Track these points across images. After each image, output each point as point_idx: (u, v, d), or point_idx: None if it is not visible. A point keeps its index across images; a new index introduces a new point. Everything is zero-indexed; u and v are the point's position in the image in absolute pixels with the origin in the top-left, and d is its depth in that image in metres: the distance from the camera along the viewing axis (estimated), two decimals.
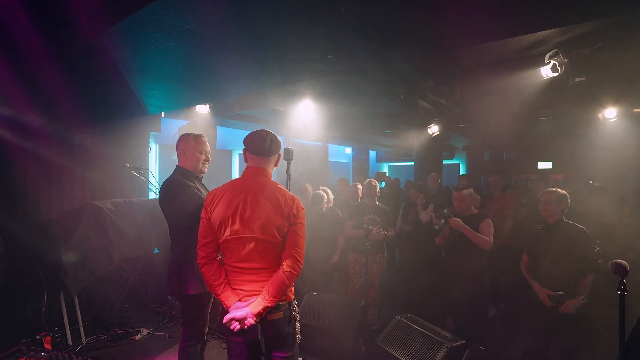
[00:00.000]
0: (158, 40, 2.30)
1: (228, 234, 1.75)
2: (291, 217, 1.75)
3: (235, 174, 8.23)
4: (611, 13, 2.10)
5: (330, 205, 4.48)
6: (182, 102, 4.40)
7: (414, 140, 7.46)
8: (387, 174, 13.88)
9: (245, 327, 1.66)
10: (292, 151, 2.87)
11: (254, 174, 1.86)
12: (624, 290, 1.47)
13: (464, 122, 6.73)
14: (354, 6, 1.86)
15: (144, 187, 4.54)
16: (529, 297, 3.00)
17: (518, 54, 3.75)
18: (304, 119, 5.60)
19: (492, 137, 8.50)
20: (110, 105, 3.87)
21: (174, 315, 4.13)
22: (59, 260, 3.34)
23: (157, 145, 6.41)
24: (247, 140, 1.91)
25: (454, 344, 2.78)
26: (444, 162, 10.61)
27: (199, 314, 2.30)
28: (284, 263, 1.73)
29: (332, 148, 10.93)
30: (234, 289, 1.78)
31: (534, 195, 5.31)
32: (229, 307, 1.73)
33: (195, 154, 2.42)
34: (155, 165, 6.37)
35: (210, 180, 6.04)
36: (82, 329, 3.57)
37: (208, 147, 2.52)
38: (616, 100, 4.66)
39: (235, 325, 1.66)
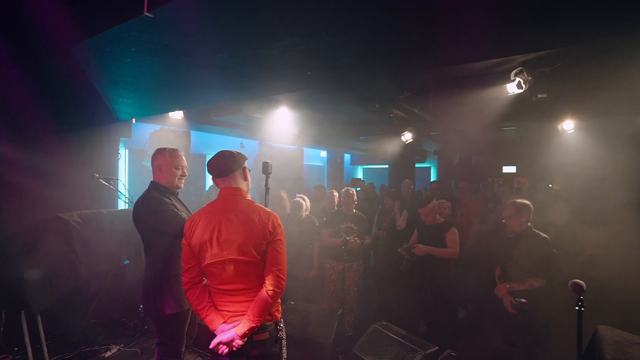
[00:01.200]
0: (133, 54, 2.24)
1: (209, 259, 1.76)
2: (267, 234, 1.76)
3: (210, 179, 8.06)
4: (565, 44, 2.27)
5: (307, 213, 4.50)
6: (155, 110, 4.27)
7: (388, 146, 7.64)
8: (362, 177, 14.14)
9: (234, 349, 1.67)
10: (271, 165, 2.88)
11: (227, 194, 1.87)
12: (581, 306, 1.62)
13: (436, 130, 6.98)
14: (334, 31, 1.89)
15: (114, 196, 4.36)
16: (496, 302, 3.18)
17: (486, 71, 3.95)
18: (280, 125, 5.59)
19: (461, 143, 8.87)
20: (78, 113, 3.70)
21: (146, 329, 4.00)
22: (19, 278, 3.14)
23: (127, 151, 6.16)
24: (207, 168, 1.94)
25: (427, 351, 2.89)
26: (416, 165, 10.93)
27: (175, 333, 2.25)
28: (266, 282, 1.74)
29: (308, 151, 10.96)
30: (219, 310, 1.79)
31: (500, 201, 5.62)
32: (214, 330, 1.73)
33: (171, 170, 2.36)
34: (125, 171, 6.13)
35: (187, 187, 5.90)
36: (45, 349, 3.37)
37: (185, 162, 2.47)
38: (573, 114, 5.02)
39: (223, 349, 1.67)
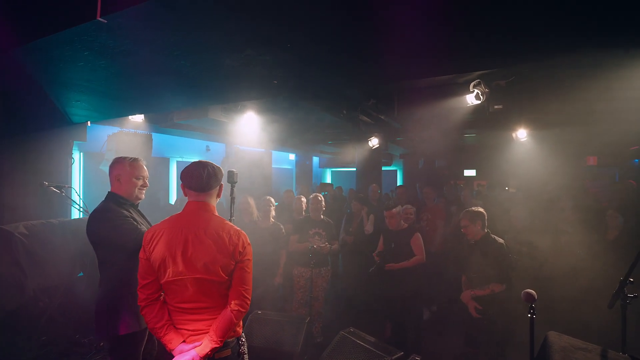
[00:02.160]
0: (87, 58, 2.10)
1: (170, 275, 1.67)
2: (237, 254, 1.71)
3: (173, 183, 7.76)
4: (517, 62, 2.42)
5: (274, 219, 4.45)
6: (112, 114, 4.05)
7: (355, 150, 7.75)
8: (331, 180, 14.24)
9: None
10: (236, 174, 2.80)
11: (196, 209, 1.79)
12: (533, 313, 1.72)
13: (402, 136, 7.17)
14: (299, 43, 1.88)
15: (67, 205, 4.07)
16: (459, 304, 3.31)
17: (447, 81, 4.12)
18: (247, 129, 5.50)
19: (425, 147, 9.19)
20: (22, 116, 3.41)
21: (102, 346, 3.77)
22: None
23: (82, 154, 5.79)
24: (183, 176, 1.83)
25: (394, 357, 2.95)
26: (383, 168, 11.17)
27: (131, 354, 2.12)
28: (232, 302, 1.69)
29: (276, 154, 10.87)
30: (178, 329, 1.71)
31: (462, 204, 5.88)
32: (173, 350, 1.65)
33: (131, 180, 2.22)
34: (80, 176, 5.75)
35: (156, 192, 5.59)
36: None
37: (146, 172, 2.33)
38: (526, 124, 5.37)
39: None
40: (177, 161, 7.74)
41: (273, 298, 4.29)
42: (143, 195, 2.34)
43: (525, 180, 6.94)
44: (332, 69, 2.28)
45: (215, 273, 1.67)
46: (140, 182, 2.27)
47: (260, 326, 3.64)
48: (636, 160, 7.11)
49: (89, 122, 4.35)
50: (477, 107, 4.21)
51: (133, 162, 2.26)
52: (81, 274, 4.00)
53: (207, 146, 8.68)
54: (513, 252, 4.07)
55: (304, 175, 12.09)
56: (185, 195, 1.86)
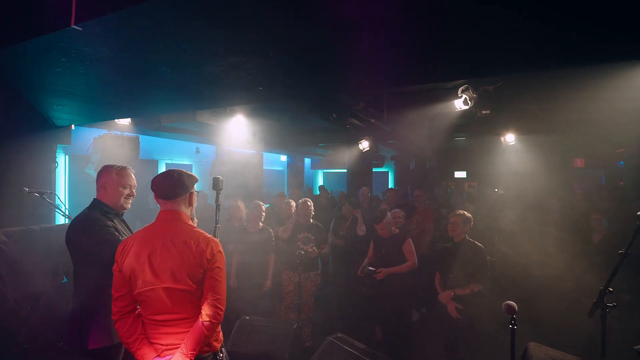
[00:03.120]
0: (64, 64, 2.06)
1: (141, 286, 1.65)
2: (204, 262, 1.67)
3: None
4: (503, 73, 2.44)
5: (263, 223, 4.43)
6: (96, 118, 3.98)
7: (346, 153, 7.74)
8: (322, 181, 14.22)
9: None
10: (221, 181, 2.76)
11: (165, 218, 1.78)
12: (514, 324, 1.73)
13: (392, 139, 7.19)
14: (281, 54, 1.86)
15: (50, 210, 3.98)
16: (441, 306, 3.33)
17: (435, 86, 4.13)
18: (237, 132, 5.46)
19: (416, 150, 9.23)
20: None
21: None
22: None
23: (67, 157, 5.68)
24: (151, 184, 1.82)
25: None
26: (375, 169, 11.18)
27: None
28: (203, 312, 1.65)
29: (267, 156, 10.82)
30: (152, 343, 1.67)
31: (452, 207, 5.91)
32: None
33: (117, 189, 2.18)
34: (65, 179, 5.64)
35: (145, 196, 5.50)
36: None
37: (133, 181, 2.29)
38: (513, 129, 5.42)
39: None
40: (166, 163, 7.66)
41: (262, 303, 4.26)
42: (129, 205, 2.30)
43: (514, 182, 7.01)
44: (315, 77, 2.27)
45: (183, 282, 1.64)
46: (126, 191, 2.23)
47: (247, 332, 3.61)
48: (621, 162, 7.23)
49: (73, 126, 4.27)
50: (465, 111, 4.23)
51: (120, 171, 2.23)
52: (65, 279, 3.93)
53: (197, 148, 8.61)
54: (499, 255, 4.11)
55: (296, 176, 12.07)
56: (158, 203, 1.84)
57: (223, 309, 1.70)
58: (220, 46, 1.76)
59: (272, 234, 4.31)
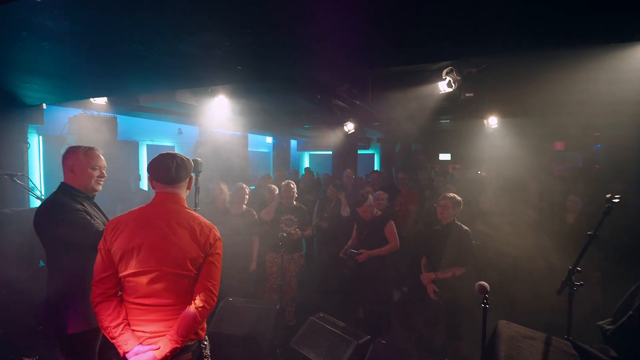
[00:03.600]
0: (25, 39, 1.93)
1: (133, 268, 1.58)
2: (207, 247, 1.65)
3: (144, 167, 7.49)
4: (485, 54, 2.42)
5: (245, 204, 4.40)
6: (69, 96, 3.80)
7: (331, 134, 7.69)
8: (309, 163, 14.16)
9: None
10: (201, 163, 2.70)
11: (164, 200, 1.71)
12: (486, 304, 1.79)
13: (378, 121, 7.16)
14: (256, 29, 1.79)
15: (23, 194, 3.85)
16: (423, 286, 3.42)
17: (420, 68, 4.09)
18: (220, 113, 5.32)
19: (402, 132, 9.24)
20: None
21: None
22: None
23: (41, 138, 5.45)
24: (149, 168, 1.74)
25: (360, 341, 3.03)
26: (361, 152, 11.18)
27: (82, 353, 2.03)
28: (197, 297, 1.60)
29: (252, 137, 10.66)
30: (133, 330, 1.60)
31: (435, 189, 5.99)
32: (127, 352, 1.55)
33: (86, 171, 2.08)
34: (40, 160, 5.43)
35: (127, 177, 5.32)
36: None
37: (103, 162, 2.19)
38: (496, 112, 5.45)
39: None
40: (147, 144, 7.46)
41: (246, 285, 4.29)
42: (100, 187, 2.20)
43: (497, 164, 7.13)
44: (293, 56, 2.20)
45: (184, 267, 1.60)
46: (96, 173, 2.13)
47: (230, 313, 3.64)
48: (598, 146, 7.42)
49: (44, 105, 4.07)
50: (449, 94, 4.22)
51: (88, 152, 2.12)
52: (42, 263, 3.85)
53: (179, 129, 8.39)
54: (480, 236, 4.22)
55: (282, 158, 11.96)
56: (153, 187, 1.77)
57: (216, 295, 1.67)
58: (191, 22, 1.67)
59: (256, 217, 4.29)
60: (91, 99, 4.69)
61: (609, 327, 1.54)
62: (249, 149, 10.27)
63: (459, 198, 3.31)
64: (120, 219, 1.67)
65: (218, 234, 1.73)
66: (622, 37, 2.01)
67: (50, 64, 2.45)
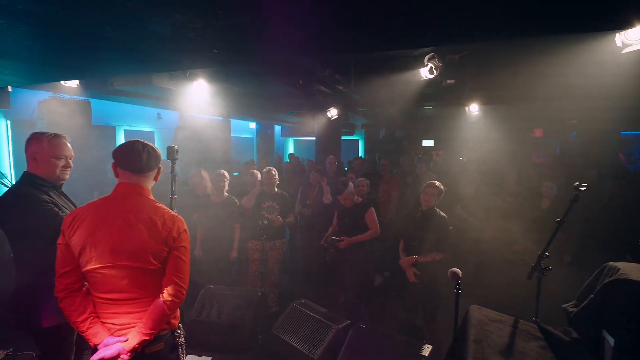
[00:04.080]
0: None
1: (93, 263, 1.54)
2: (170, 240, 1.60)
3: None
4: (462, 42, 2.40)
5: (227, 193, 4.35)
6: (36, 79, 3.60)
7: (315, 120, 7.62)
8: (293, 149, 14.05)
9: None
10: (177, 150, 2.64)
11: (126, 192, 1.65)
12: (459, 289, 1.84)
13: (361, 107, 7.12)
14: (230, 11, 1.72)
15: None
16: (403, 271, 3.48)
17: (402, 54, 4.05)
18: (200, 97, 5.17)
19: (386, 118, 9.26)
20: None
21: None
22: None
23: (9, 122, 5.19)
24: (116, 155, 1.66)
25: (340, 326, 3.09)
26: (346, 137, 11.16)
27: (58, 345, 2.00)
28: (165, 291, 1.58)
29: (235, 123, 10.46)
30: (103, 322, 1.59)
31: (417, 175, 6.06)
32: (97, 344, 1.53)
33: (49, 160, 1.98)
34: (8, 146, 5.19)
35: (104, 164, 5.13)
36: None
37: (69, 151, 2.09)
38: (477, 99, 5.50)
39: None
40: (124, 130, 7.22)
41: (227, 273, 4.28)
42: (67, 176, 2.11)
43: (478, 151, 7.25)
44: (266, 39, 2.13)
45: (146, 261, 1.56)
46: (61, 163, 2.04)
47: (211, 301, 3.64)
48: (574, 133, 7.63)
49: (9, 88, 3.85)
50: (431, 81, 4.22)
51: (53, 140, 2.01)
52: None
53: (159, 114, 8.15)
54: (458, 221, 4.31)
55: (266, 144, 11.83)
56: (117, 176, 1.70)
57: (186, 288, 1.64)
58: (159, 1, 1.59)
59: (238, 204, 4.25)
60: (62, 82, 4.48)
61: (573, 309, 1.61)
62: (232, 135, 10.08)
63: (443, 188, 3.35)
64: (78, 211, 1.61)
65: (183, 226, 1.67)
66: (596, 26, 2.03)
67: (10, 44, 2.29)
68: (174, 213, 1.69)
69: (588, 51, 2.88)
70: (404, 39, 2.14)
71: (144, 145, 1.67)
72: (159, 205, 1.69)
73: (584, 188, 1.93)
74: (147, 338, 1.55)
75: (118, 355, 1.50)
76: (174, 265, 1.62)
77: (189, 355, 3.39)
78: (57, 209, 1.93)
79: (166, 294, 1.58)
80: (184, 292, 1.63)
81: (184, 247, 1.66)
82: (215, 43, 2.30)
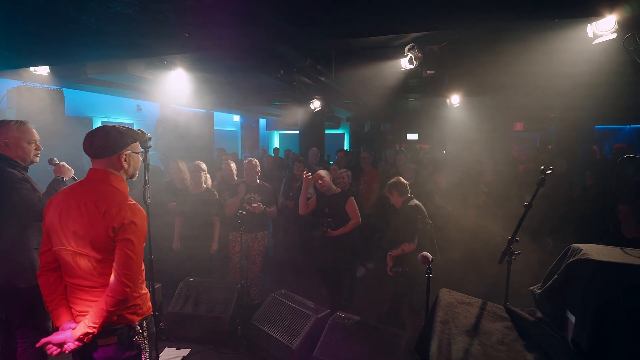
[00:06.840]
0: None
1: (55, 245, 1.58)
2: (110, 231, 1.50)
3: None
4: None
5: (208, 184, 4.28)
6: (2, 65, 3.44)
7: (298, 112, 7.57)
8: (278, 143, 13.98)
9: (66, 352, 1.51)
10: (149, 138, 2.56)
11: (92, 178, 1.63)
12: (430, 274, 1.86)
13: (345, 99, 7.11)
14: None
15: None
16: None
17: (382, 44, 4.04)
18: (180, 88, 5.05)
19: (371, 111, 9.28)
20: None
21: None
22: None
23: None
24: None
25: (319, 315, 3.10)
26: (330, 131, 11.16)
27: (36, 306, 1.99)
28: (109, 286, 1.53)
29: (219, 115, 10.31)
30: (70, 307, 1.62)
31: (398, 169, 6.11)
32: (59, 327, 1.57)
33: (22, 145, 2.15)
34: None
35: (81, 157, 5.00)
36: None
37: (37, 135, 2.25)
38: (457, 90, 5.56)
39: (52, 350, 1.51)
40: (102, 122, 7.01)
41: (207, 265, 4.23)
42: (38, 159, 2.27)
43: (460, 143, 7.36)
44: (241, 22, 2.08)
45: (86, 248, 1.52)
46: (33, 147, 2.21)
47: (190, 293, 3.60)
48: (551, 127, 7.82)
49: None
50: (411, 71, 4.22)
51: (21, 126, 2.16)
52: None
53: (138, 105, 7.96)
54: (438, 210, 4.36)
55: (250, 137, 11.73)
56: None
57: (132, 286, 1.53)
58: None
59: (217, 196, 4.19)
60: (31, 70, 4.30)
61: (539, 290, 1.66)
62: (215, 127, 9.93)
63: (391, 180, 3.38)
64: (55, 195, 1.66)
65: (133, 218, 1.55)
66: (566, 14, 2.06)
67: None
68: (131, 203, 1.60)
69: (560, 39, 2.93)
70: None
71: (98, 130, 1.62)
72: (118, 194, 1.60)
73: (550, 172, 1.98)
74: (90, 331, 1.49)
75: (65, 342, 1.50)
76: (119, 259, 1.52)
77: (167, 348, 3.35)
78: (35, 190, 2.13)
79: (108, 289, 1.52)
80: (128, 290, 1.52)
81: (129, 240, 1.53)
82: (186, 27, 2.24)
